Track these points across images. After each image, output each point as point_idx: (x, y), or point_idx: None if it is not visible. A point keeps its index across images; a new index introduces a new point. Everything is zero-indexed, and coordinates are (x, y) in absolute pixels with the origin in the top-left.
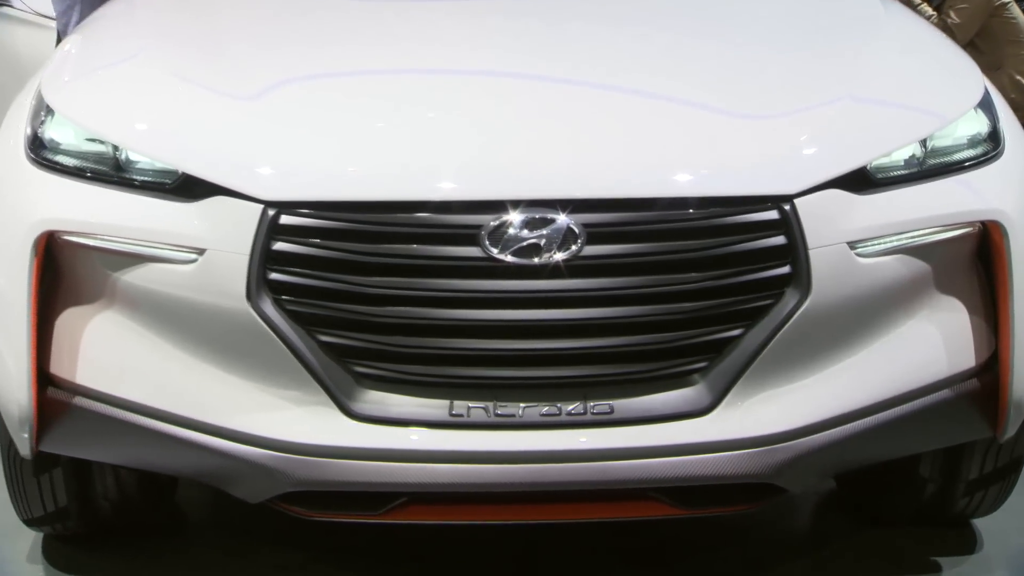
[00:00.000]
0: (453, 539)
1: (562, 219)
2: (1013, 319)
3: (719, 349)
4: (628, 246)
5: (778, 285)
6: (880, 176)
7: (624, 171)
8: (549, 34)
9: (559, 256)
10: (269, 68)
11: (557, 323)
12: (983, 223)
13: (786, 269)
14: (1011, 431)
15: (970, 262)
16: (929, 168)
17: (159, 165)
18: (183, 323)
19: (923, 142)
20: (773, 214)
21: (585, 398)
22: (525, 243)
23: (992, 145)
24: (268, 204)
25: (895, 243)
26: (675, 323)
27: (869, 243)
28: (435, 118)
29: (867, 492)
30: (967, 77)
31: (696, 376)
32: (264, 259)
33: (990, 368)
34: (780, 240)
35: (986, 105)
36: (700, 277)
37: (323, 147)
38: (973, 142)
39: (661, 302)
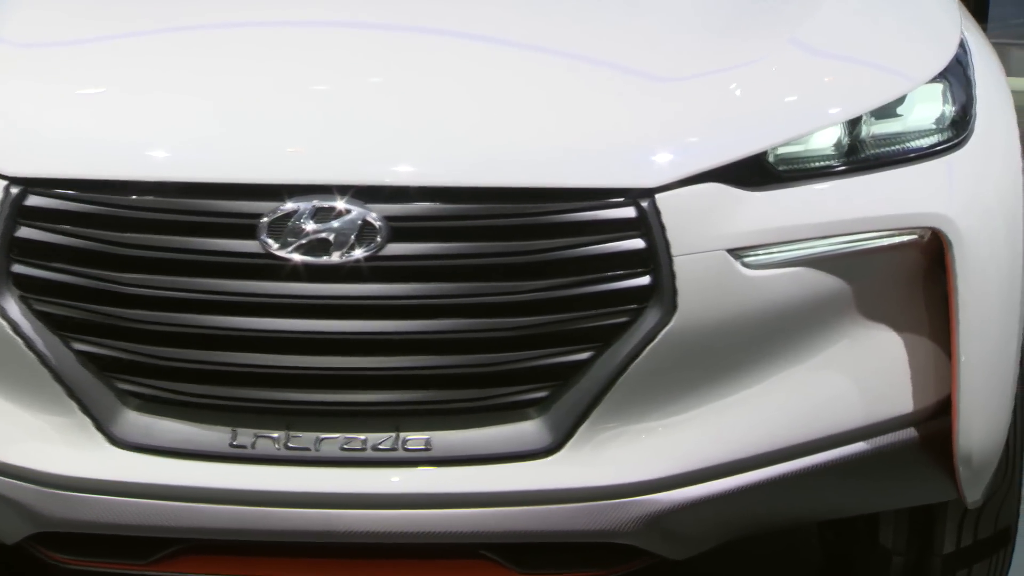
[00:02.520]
0: None
1: (358, 210)
2: (958, 353)
3: (564, 376)
4: (443, 245)
5: (635, 299)
6: (784, 168)
7: (438, 152)
8: None
9: (354, 254)
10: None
11: (359, 337)
12: (928, 231)
13: (645, 280)
14: (974, 494)
15: (916, 279)
16: (861, 160)
17: None
18: None
19: (852, 124)
20: (628, 211)
21: (397, 429)
22: (311, 238)
23: (955, 131)
24: (12, 180)
25: (800, 252)
26: (506, 342)
27: (762, 251)
28: (220, 83)
29: (839, 562)
30: (933, 38)
31: (536, 408)
32: (7, 248)
33: (943, 414)
34: (637, 244)
35: (955, 75)
36: (536, 286)
37: (84, 114)
38: (928, 124)
39: (487, 315)
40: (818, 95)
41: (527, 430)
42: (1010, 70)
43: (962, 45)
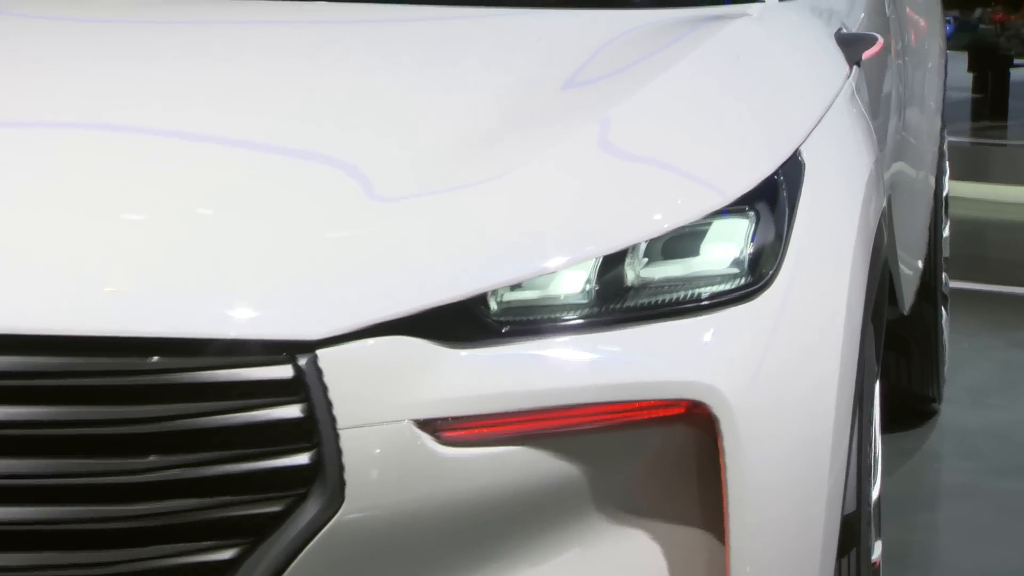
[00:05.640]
0: None
1: None
2: (731, 566)
3: None
4: (30, 409)
5: (291, 483)
6: (505, 319)
7: (43, 292)
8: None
9: None
10: None
11: None
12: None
13: (303, 459)
14: None
15: (685, 466)
16: (617, 311)
17: None
18: None
19: (610, 264)
20: (282, 370)
21: None
22: None
23: (751, 276)
24: None
25: (516, 427)
26: (123, 535)
27: (464, 424)
28: None
29: None
30: (755, 146)
31: None
32: None
33: None
34: (293, 412)
35: (770, 200)
36: (159, 464)
37: None
38: (716, 268)
39: (94, 501)
40: (573, 223)
41: None
42: None
43: (794, 157)
